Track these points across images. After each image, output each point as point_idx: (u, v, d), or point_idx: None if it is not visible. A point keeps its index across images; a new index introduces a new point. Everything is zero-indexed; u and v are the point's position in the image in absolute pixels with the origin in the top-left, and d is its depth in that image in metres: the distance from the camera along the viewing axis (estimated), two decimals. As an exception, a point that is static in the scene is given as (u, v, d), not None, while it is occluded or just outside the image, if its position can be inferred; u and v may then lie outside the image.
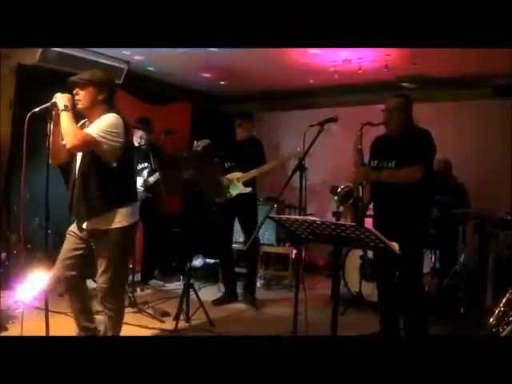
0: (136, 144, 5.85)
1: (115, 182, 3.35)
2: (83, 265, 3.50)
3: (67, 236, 3.51)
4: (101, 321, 3.66)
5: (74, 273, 3.45)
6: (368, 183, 4.08)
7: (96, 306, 3.75)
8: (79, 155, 3.38)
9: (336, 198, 5.08)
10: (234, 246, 6.71)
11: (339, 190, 5.05)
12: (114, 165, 3.33)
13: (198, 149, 5.13)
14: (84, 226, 3.41)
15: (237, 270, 6.16)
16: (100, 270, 3.41)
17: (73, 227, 3.50)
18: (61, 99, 3.20)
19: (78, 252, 3.46)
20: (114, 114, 3.33)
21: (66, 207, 3.46)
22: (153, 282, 6.40)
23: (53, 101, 3.19)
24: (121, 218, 3.37)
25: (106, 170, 3.32)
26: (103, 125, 3.26)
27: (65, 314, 4.09)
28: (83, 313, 3.58)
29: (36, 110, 3.14)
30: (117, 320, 3.54)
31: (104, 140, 3.22)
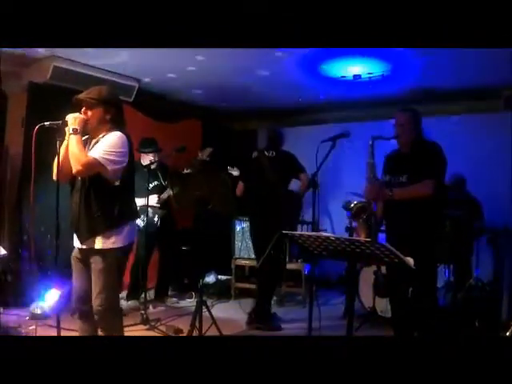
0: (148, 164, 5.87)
1: (117, 201, 3.27)
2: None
3: (72, 262, 3.42)
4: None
5: (86, 306, 3.35)
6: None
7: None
8: None
9: (350, 213, 5.07)
10: (245, 262, 6.73)
11: (352, 205, 5.03)
12: (117, 183, 3.27)
13: (204, 157, 5.09)
14: (81, 245, 3.32)
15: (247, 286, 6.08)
16: (95, 292, 3.27)
17: (75, 252, 3.41)
18: (72, 121, 3.17)
19: (85, 279, 3.35)
20: (118, 132, 3.27)
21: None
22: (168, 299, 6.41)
23: (65, 119, 3.17)
24: (117, 238, 3.27)
25: (109, 189, 3.25)
26: (107, 145, 3.20)
27: (77, 331, 4.06)
28: None
29: (46, 123, 3.11)
30: None
31: (108, 162, 3.16)
